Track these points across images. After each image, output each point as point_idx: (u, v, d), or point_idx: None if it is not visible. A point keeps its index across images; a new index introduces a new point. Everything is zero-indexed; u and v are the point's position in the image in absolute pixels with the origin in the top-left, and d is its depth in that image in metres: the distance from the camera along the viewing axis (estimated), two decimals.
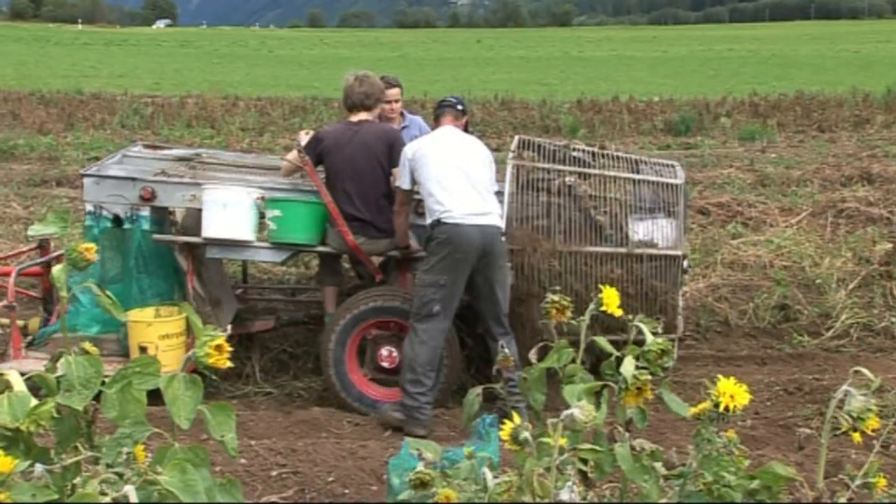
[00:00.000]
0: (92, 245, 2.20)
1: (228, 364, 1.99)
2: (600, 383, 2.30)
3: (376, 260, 6.66)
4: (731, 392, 2.08)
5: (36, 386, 2.11)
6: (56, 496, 1.90)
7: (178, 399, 1.94)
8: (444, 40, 75.35)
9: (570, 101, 23.92)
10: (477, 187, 5.90)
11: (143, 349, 6.00)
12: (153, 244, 6.40)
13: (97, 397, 2.07)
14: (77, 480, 1.89)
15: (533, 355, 2.49)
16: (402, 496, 2.39)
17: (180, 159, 7.04)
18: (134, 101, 23.88)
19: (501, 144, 17.38)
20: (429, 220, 5.92)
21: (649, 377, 2.19)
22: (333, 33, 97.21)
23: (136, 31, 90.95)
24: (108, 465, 1.91)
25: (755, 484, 2.08)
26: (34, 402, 2.02)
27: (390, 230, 6.31)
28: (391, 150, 6.30)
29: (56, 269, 2.15)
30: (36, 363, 6.00)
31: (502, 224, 5.98)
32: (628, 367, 2.18)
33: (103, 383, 2.06)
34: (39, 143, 17.58)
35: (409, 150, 6.04)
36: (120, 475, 1.86)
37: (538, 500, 2.03)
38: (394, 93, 7.23)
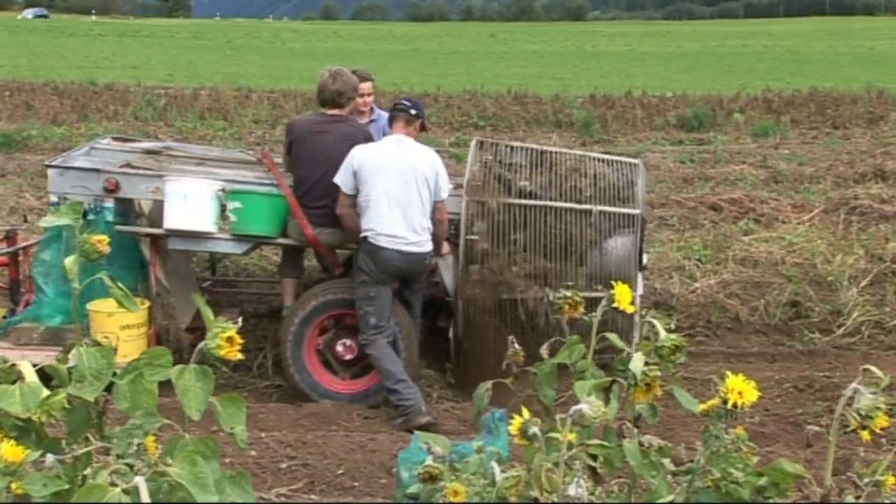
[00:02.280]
0: (105, 237, 2.21)
1: (239, 356, 2.00)
2: (610, 379, 2.30)
3: (342, 254, 6.76)
4: (740, 389, 2.08)
5: (48, 376, 2.12)
6: (67, 486, 1.92)
7: (189, 390, 1.95)
8: (458, 34, 75.22)
9: (583, 96, 23.85)
10: (407, 213, 6.09)
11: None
12: (117, 235, 6.44)
13: (108, 388, 2.09)
14: (87, 471, 1.90)
15: (544, 350, 2.50)
16: (411, 489, 2.40)
17: (147, 152, 7.09)
18: (147, 92, 23.86)
19: (513, 139, 17.36)
20: (361, 233, 6.15)
21: (658, 374, 2.19)
22: (347, 26, 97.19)
23: (149, 23, 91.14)
24: (119, 456, 1.92)
25: (763, 481, 2.08)
26: (46, 392, 2.03)
27: None
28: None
29: (68, 261, 2.16)
30: None
31: (428, 248, 6.20)
32: (638, 363, 2.18)
33: (114, 374, 2.07)
34: (53, 133, 17.62)
35: (355, 157, 6.16)
36: (130, 466, 1.87)
37: (546, 494, 2.03)
38: (366, 86, 7.31)
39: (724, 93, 24.46)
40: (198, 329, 6.71)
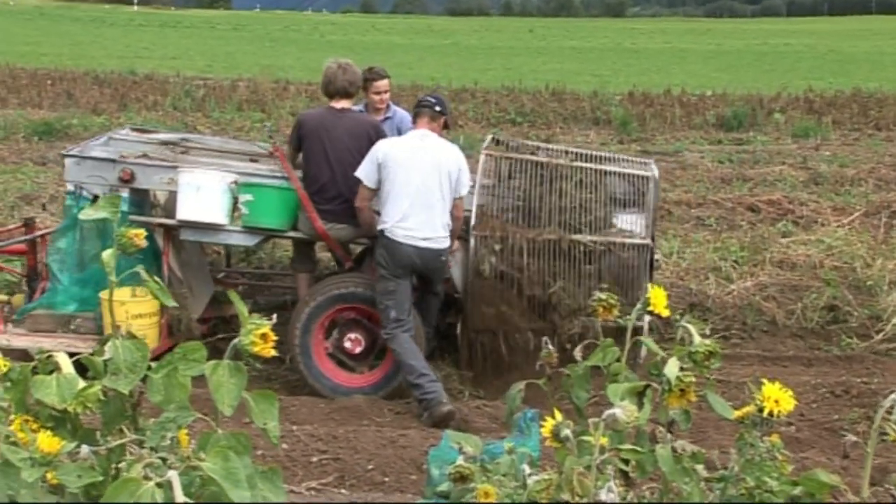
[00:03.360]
0: (142, 231, 2.22)
1: (272, 353, 2.01)
2: (644, 383, 2.28)
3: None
4: (776, 397, 2.06)
5: (83, 367, 2.14)
6: (101, 478, 1.93)
7: (223, 386, 1.96)
8: (497, 29, 74.89)
9: (621, 94, 23.68)
10: (427, 209, 6.08)
11: (116, 328, 6.08)
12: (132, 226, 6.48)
13: (143, 381, 2.10)
14: (122, 464, 1.92)
15: (578, 353, 2.48)
16: (441, 487, 2.40)
17: (164, 143, 7.15)
18: (186, 83, 23.99)
19: (551, 136, 17.30)
20: (379, 226, 6.14)
21: (693, 379, 2.17)
22: (386, 19, 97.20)
23: (189, 14, 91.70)
24: (153, 449, 1.93)
25: (798, 490, 2.06)
26: (82, 384, 2.05)
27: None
28: (372, 142, 6.36)
29: (105, 254, 2.17)
30: (14, 338, 6.24)
31: (445, 245, 6.18)
32: (672, 368, 2.16)
33: (149, 367, 2.09)
34: (93, 122, 17.77)
35: (380, 150, 6.16)
36: (164, 459, 1.88)
37: (577, 498, 2.02)
38: (383, 84, 7.32)
39: (765, 92, 24.16)
40: (210, 319, 6.76)
